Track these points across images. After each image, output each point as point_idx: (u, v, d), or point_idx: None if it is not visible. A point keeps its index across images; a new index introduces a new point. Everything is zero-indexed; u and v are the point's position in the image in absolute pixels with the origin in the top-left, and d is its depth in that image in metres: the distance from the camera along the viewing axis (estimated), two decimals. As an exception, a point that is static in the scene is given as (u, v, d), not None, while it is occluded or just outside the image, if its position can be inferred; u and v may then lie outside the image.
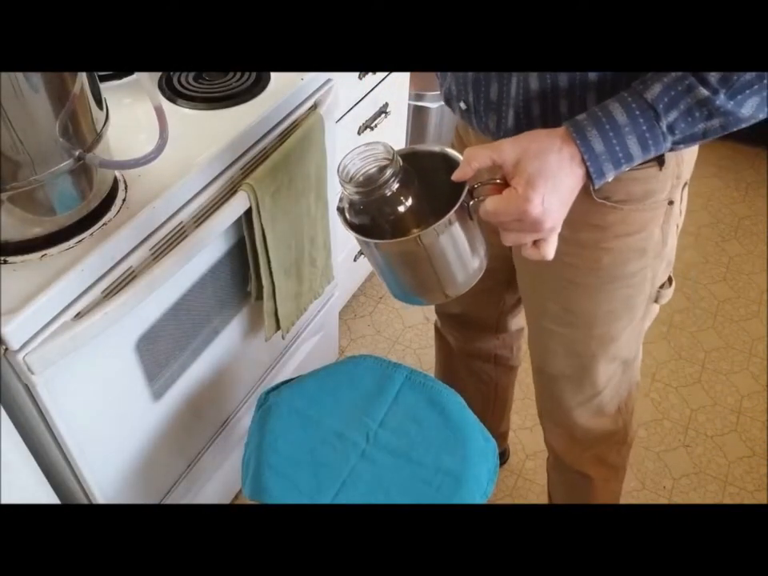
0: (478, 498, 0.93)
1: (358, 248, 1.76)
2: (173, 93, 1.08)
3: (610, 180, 0.64)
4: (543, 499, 1.54)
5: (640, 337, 1.01)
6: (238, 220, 1.03)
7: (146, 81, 0.75)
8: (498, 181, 0.62)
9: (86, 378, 0.89)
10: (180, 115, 1.05)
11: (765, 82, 0.59)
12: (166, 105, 1.07)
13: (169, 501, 1.18)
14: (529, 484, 1.58)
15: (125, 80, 1.11)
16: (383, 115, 1.56)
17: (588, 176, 0.63)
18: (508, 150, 0.62)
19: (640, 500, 1.55)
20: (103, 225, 0.86)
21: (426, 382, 1.04)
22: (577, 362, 0.99)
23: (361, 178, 0.65)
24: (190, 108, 1.06)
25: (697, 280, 2.07)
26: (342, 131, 1.39)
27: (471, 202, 0.63)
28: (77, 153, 0.79)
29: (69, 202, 0.83)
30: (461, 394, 1.06)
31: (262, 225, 1.04)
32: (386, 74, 1.54)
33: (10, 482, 0.84)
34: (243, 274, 1.14)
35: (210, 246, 1.01)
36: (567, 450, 1.16)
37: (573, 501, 1.25)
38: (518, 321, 1.26)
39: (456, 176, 0.63)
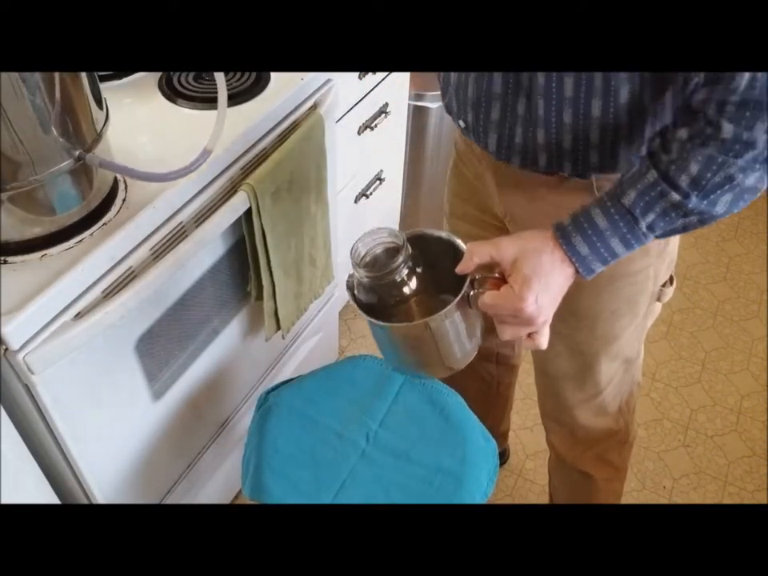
0: (478, 498, 0.93)
1: (358, 248, 1.76)
2: (173, 93, 1.08)
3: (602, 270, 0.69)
4: (543, 499, 1.54)
5: (642, 336, 1.01)
6: (238, 220, 1.03)
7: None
8: (497, 276, 0.68)
9: (86, 378, 0.89)
10: (180, 115, 1.05)
11: (735, 182, 0.62)
12: (166, 105, 1.07)
13: (169, 501, 1.18)
14: (529, 484, 1.58)
15: (125, 80, 1.11)
16: (383, 115, 1.56)
17: (577, 271, 0.68)
18: (506, 248, 0.68)
19: (640, 500, 1.55)
20: (103, 225, 0.86)
21: (425, 382, 1.04)
22: (579, 361, 0.99)
23: (368, 258, 0.71)
24: (190, 108, 1.06)
25: (697, 280, 2.07)
26: (341, 131, 1.39)
27: (472, 293, 0.69)
28: (77, 153, 0.79)
29: (69, 202, 0.83)
30: (462, 393, 1.06)
31: (262, 225, 1.04)
32: (386, 74, 1.54)
33: (10, 482, 0.84)
34: (243, 274, 1.14)
35: (210, 246, 1.02)
36: (569, 449, 1.16)
37: (575, 501, 1.25)
38: None
39: (459, 269, 0.69)
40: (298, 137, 1.08)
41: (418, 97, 1.72)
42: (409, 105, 1.73)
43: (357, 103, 1.46)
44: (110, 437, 0.99)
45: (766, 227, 2.25)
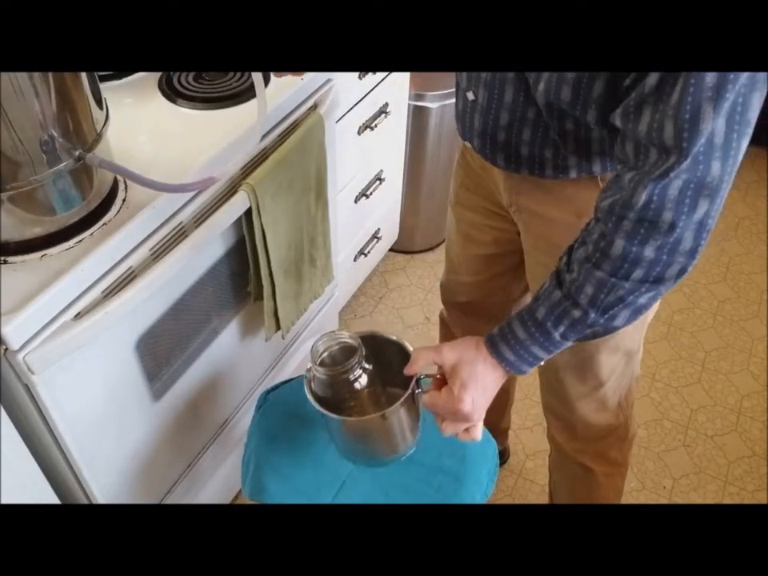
0: (478, 498, 0.93)
1: (358, 248, 1.76)
2: (173, 93, 1.08)
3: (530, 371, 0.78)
4: (543, 499, 1.54)
5: (643, 329, 1.02)
6: (238, 220, 1.03)
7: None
8: (438, 376, 0.79)
9: (86, 378, 0.89)
10: (180, 115, 1.05)
11: (627, 302, 0.70)
12: (166, 105, 1.07)
13: (169, 501, 1.18)
14: (529, 484, 1.58)
15: (125, 80, 1.11)
16: (383, 115, 1.56)
17: (508, 372, 0.77)
18: (447, 355, 0.77)
19: (640, 500, 1.55)
20: (103, 225, 0.86)
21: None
22: (580, 352, 1.00)
23: (326, 356, 0.82)
24: (190, 108, 1.06)
25: (697, 280, 2.07)
26: (341, 131, 1.39)
27: (417, 391, 0.79)
28: (77, 153, 0.79)
29: (69, 202, 0.83)
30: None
31: (262, 225, 1.04)
32: (386, 73, 1.54)
33: (10, 481, 0.84)
34: (243, 274, 1.14)
35: (210, 245, 1.02)
36: (570, 443, 1.16)
37: (576, 498, 1.25)
38: None
39: (406, 371, 0.79)
40: (298, 137, 1.08)
41: (418, 97, 1.73)
42: (409, 105, 1.73)
43: (357, 103, 1.46)
44: (110, 437, 0.98)
45: (766, 227, 2.25)
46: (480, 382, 0.76)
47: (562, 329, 0.73)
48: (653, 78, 0.61)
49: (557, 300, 0.73)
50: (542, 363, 0.77)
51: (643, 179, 0.65)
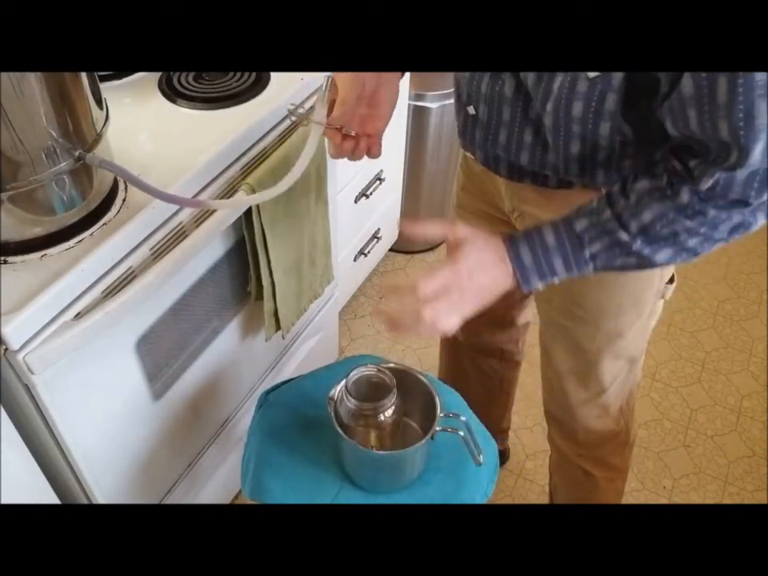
0: (478, 498, 0.93)
1: (358, 248, 1.76)
2: (173, 93, 1.08)
3: (539, 287, 0.73)
4: (543, 499, 1.54)
5: (646, 335, 1.02)
6: (238, 220, 1.03)
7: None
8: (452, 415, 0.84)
9: (86, 378, 0.89)
10: (180, 115, 1.05)
11: (678, 239, 0.68)
12: (166, 105, 1.07)
13: (169, 501, 1.18)
14: (529, 484, 1.58)
15: (125, 80, 1.11)
16: (383, 115, 1.56)
17: (517, 280, 0.73)
18: (460, 229, 0.73)
19: (640, 500, 1.55)
20: (103, 225, 0.86)
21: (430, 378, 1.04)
22: (583, 358, 1.00)
23: (354, 386, 0.86)
24: (190, 108, 1.06)
25: (697, 280, 2.07)
26: (341, 131, 1.39)
27: (437, 429, 0.83)
28: (77, 153, 0.79)
29: (69, 201, 0.83)
30: (464, 389, 1.06)
31: (262, 225, 1.04)
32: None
33: (10, 481, 0.84)
34: (243, 274, 1.14)
35: (209, 246, 1.02)
36: (570, 449, 1.16)
37: (576, 499, 1.25)
38: (525, 315, 1.26)
39: (409, 229, 0.75)
40: (298, 137, 1.08)
41: (418, 97, 1.72)
42: (409, 105, 1.73)
43: (357, 103, 1.46)
44: (110, 437, 0.98)
45: (766, 227, 2.25)
46: (484, 261, 0.71)
47: (596, 247, 0.70)
48: (687, 87, 0.60)
49: (605, 218, 0.69)
50: (554, 282, 0.73)
51: (708, 168, 0.64)
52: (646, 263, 0.71)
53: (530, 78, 0.73)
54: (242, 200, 0.92)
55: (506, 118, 0.81)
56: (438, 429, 0.83)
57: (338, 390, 0.87)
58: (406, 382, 0.89)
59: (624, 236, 0.69)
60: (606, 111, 0.71)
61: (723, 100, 0.59)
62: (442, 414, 0.84)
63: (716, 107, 0.60)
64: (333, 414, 0.85)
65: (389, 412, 0.86)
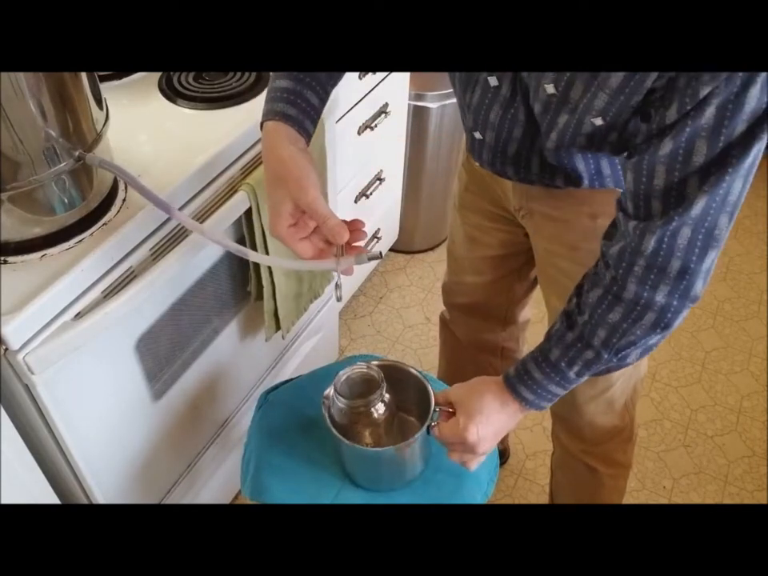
0: (478, 498, 0.93)
1: (358, 248, 1.76)
2: (173, 93, 1.08)
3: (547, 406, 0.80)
4: (543, 499, 1.54)
5: None
6: (238, 220, 1.03)
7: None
8: (450, 410, 0.82)
9: (86, 378, 0.89)
10: (180, 115, 1.05)
11: (638, 344, 0.72)
12: (166, 105, 1.07)
13: (169, 501, 1.18)
14: (529, 484, 1.58)
15: (125, 80, 1.11)
16: (383, 115, 1.56)
17: (527, 409, 0.80)
18: (456, 390, 0.82)
19: (640, 500, 1.55)
20: (103, 225, 0.86)
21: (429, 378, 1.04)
22: None
23: (346, 386, 0.86)
24: (190, 108, 1.06)
25: (697, 280, 2.07)
26: (341, 131, 1.39)
27: (433, 424, 0.83)
28: (77, 153, 0.79)
29: (69, 201, 0.83)
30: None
31: (262, 225, 1.04)
32: (386, 73, 1.54)
33: (10, 481, 0.84)
34: (243, 274, 1.14)
35: (209, 246, 1.02)
36: (575, 446, 1.16)
37: (579, 497, 1.25)
38: (526, 312, 1.26)
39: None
40: (298, 137, 1.08)
41: (418, 97, 1.73)
42: (409, 105, 1.73)
43: (357, 103, 1.46)
44: (110, 437, 0.98)
45: (766, 227, 2.25)
46: (485, 414, 0.78)
47: (576, 368, 0.75)
48: (666, 147, 0.62)
49: (569, 342, 0.75)
50: (558, 398, 0.80)
51: (649, 226, 0.66)
52: (623, 365, 0.77)
53: (536, 108, 0.74)
54: (241, 249, 0.79)
55: (515, 144, 0.82)
56: (433, 423, 0.83)
57: (330, 391, 0.87)
58: (397, 376, 0.89)
59: (591, 354, 0.74)
60: (607, 143, 0.72)
61: (700, 160, 0.61)
62: (436, 409, 0.83)
63: (689, 166, 0.62)
64: (327, 414, 0.86)
65: (380, 407, 0.86)
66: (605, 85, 0.65)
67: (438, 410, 0.83)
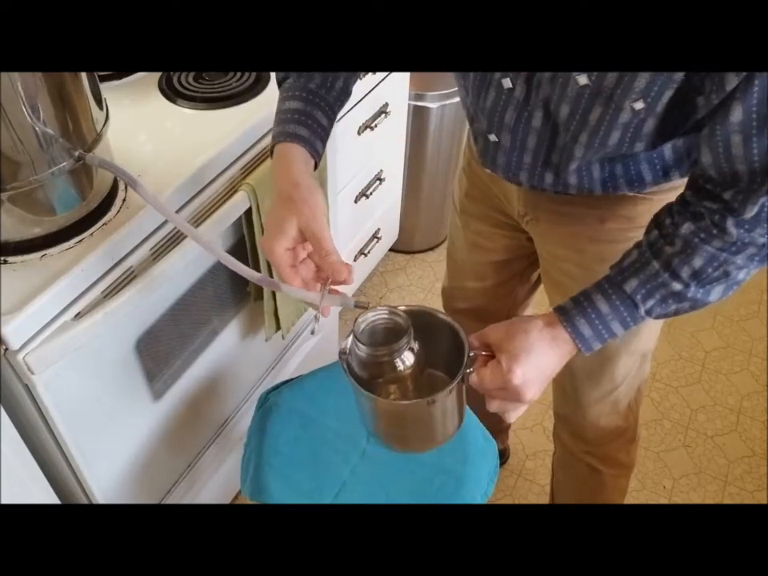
0: (478, 498, 0.93)
1: (359, 248, 1.76)
2: (173, 93, 1.08)
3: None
4: (543, 499, 1.54)
5: (659, 327, 1.02)
6: (238, 220, 1.03)
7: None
8: (487, 353, 0.71)
9: (86, 378, 0.89)
10: (180, 115, 1.05)
11: (730, 277, 0.68)
12: (166, 105, 1.07)
13: (169, 501, 1.18)
14: (529, 484, 1.58)
15: (125, 80, 1.11)
16: (383, 115, 1.56)
17: (578, 350, 0.72)
18: (494, 330, 0.71)
19: (640, 500, 1.55)
20: (103, 225, 0.86)
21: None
22: (599, 356, 0.99)
23: (367, 334, 0.72)
24: (190, 108, 1.06)
25: (697, 280, 2.07)
26: (341, 131, 1.39)
27: (467, 371, 0.70)
28: (77, 153, 0.79)
29: (69, 202, 0.83)
30: (465, 388, 1.05)
31: (262, 225, 1.04)
32: (386, 73, 1.54)
33: (10, 481, 0.84)
34: (243, 274, 1.14)
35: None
36: (578, 447, 1.16)
37: (580, 497, 1.25)
38: (527, 313, 1.26)
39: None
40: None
41: (418, 97, 1.73)
42: (409, 105, 1.73)
43: (357, 103, 1.46)
44: (110, 437, 0.98)
45: (765, 227, 2.25)
46: (533, 355, 0.69)
47: (650, 303, 0.70)
48: (736, 114, 0.59)
49: (653, 272, 0.69)
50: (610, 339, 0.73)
51: (750, 195, 0.63)
52: (699, 305, 0.71)
53: (561, 111, 0.71)
54: (234, 262, 0.76)
55: (532, 146, 0.79)
56: (468, 371, 0.70)
57: (348, 342, 0.73)
58: (427, 325, 0.76)
59: (677, 286, 0.68)
60: (643, 135, 0.70)
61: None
62: (471, 354, 0.71)
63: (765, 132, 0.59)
64: (346, 367, 0.73)
65: (407, 357, 0.73)
66: None
67: (473, 354, 0.71)
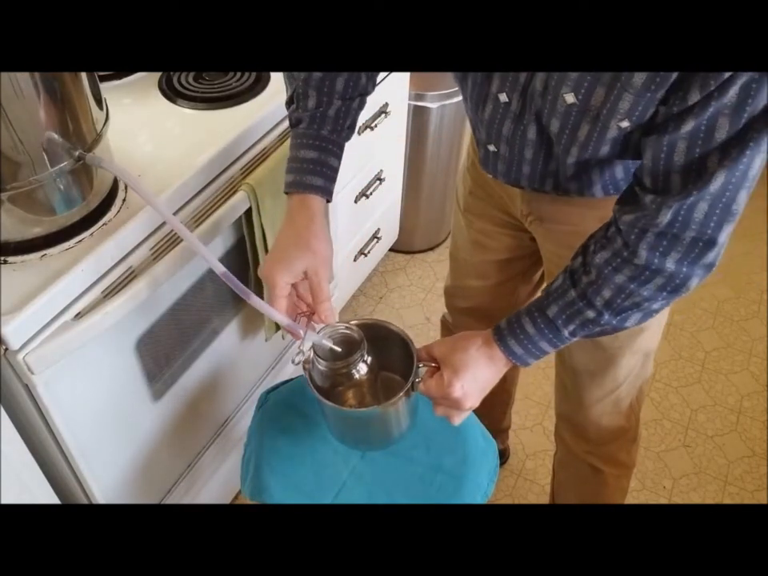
0: (478, 498, 0.93)
1: (359, 248, 1.76)
2: (173, 93, 1.08)
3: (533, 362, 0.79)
4: (543, 499, 1.54)
5: (662, 327, 1.02)
6: (238, 220, 1.03)
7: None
8: (434, 365, 0.80)
9: (86, 378, 0.89)
10: (180, 115, 1.05)
11: (642, 307, 0.72)
12: (166, 105, 1.07)
13: (169, 501, 1.18)
14: (529, 484, 1.58)
15: (125, 80, 1.11)
16: (383, 115, 1.56)
17: (514, 364, 0.78)
18: (438, 348, 0.80)
19: (640, 500, 1.55)
20: (103, 225, 0.86)
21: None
22: (602, 355, 1.00)
23: (329, 347, 0.81)
24: (190, 108, 1.06)
25: (697, 280, 2.07)
26: (342, 131, 1.39)
27: (417, 380, 0.81)
28: (77, 153, 0.79)
29: (69, 202, 0.83)
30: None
31: (262, 225, 1.04)
32: (386, 73, 1.54)
33: (10, 481, 0.84)
34: (243, 274, 1.14)
35: (210, 245, 1.02)
36: (579, 447, 1.16)
37: (582, 497, 1.25)
38: None
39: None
40: (298, 137, 1.08)
41: (418, 97, 1.72)
42: (409, 105, 1.72)
43: (357, 103, 1.46)
44: (110, 437, 0.99)
45: (766, 227, 2.25)
46: (471, 369, 0.77)
47: (572, 327, 0.74)
48: (688, 125, 0.62)
49: (570, 300, 0.73)
50: (545, 355, 0.78)
51: (666, 200, 0.66)
52: (618, 329, 0.76)
53: (552, 126, 0.74)
54: (227, 274, 0.80)
55: (529, 156, 0.82)
56: (417, 379, 0.81)
57: (311, 354, 0.83)
58: (380, 335, 0.86)
59: (591, 314, 0.73)
60: (632, 146, 0.72)
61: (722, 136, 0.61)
62: (420, 365, 0.81)
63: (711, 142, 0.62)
64: (309, 379, 0.82)
65: (362, 368, 0.82)
66: (629, 85, 0.64)
67: (421, 366, 0.81)
